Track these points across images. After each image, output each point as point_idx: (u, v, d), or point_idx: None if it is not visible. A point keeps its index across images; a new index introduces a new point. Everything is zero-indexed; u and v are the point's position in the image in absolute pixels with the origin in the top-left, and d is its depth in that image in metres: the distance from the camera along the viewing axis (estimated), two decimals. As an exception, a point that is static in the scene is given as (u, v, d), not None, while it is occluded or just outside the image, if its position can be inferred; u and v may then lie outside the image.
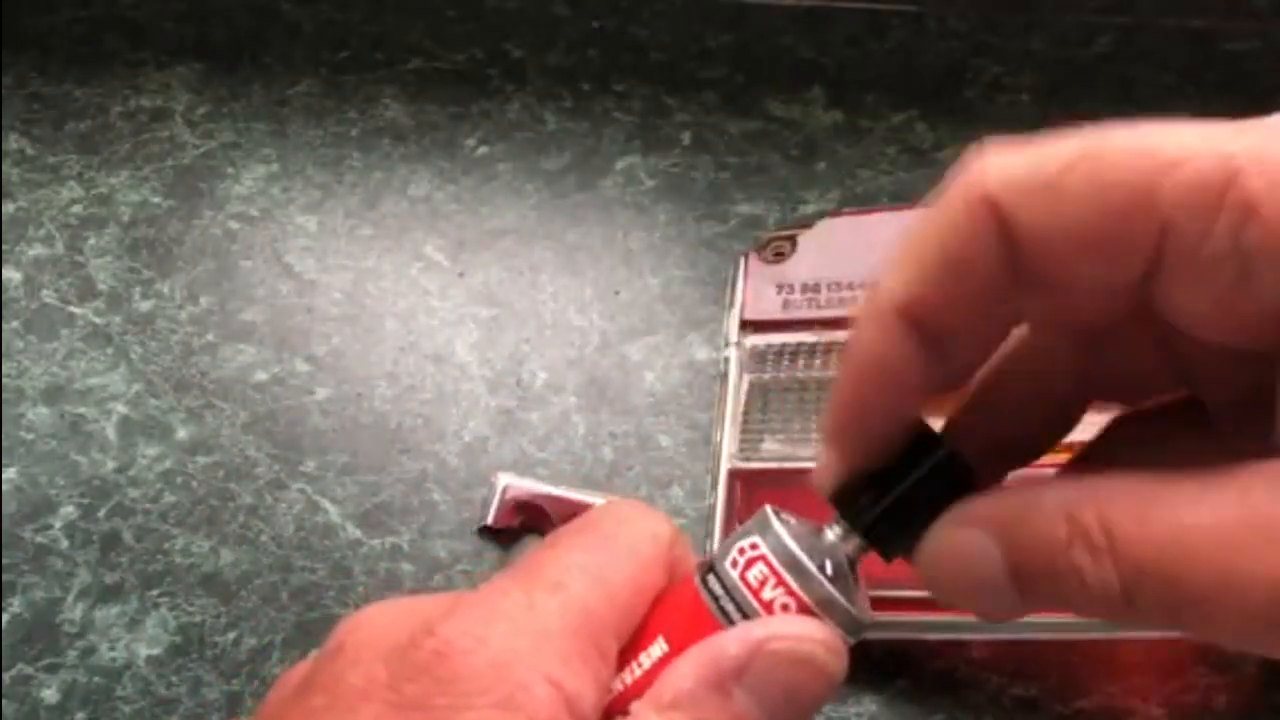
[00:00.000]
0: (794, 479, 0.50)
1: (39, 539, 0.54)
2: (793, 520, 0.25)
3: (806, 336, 0.56)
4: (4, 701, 0.50)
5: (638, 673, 0.24)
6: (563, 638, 0.23)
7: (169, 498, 0.55)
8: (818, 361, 0.54)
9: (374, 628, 0.24)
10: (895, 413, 0.23)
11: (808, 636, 0.24)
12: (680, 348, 0.58)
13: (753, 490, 0.51)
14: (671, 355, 0.58)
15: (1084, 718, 0.46)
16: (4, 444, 0.57)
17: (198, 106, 0.70)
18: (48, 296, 0.63)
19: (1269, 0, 0.68)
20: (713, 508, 0.51)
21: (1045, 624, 0.45)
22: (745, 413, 0.54)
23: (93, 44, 0.74)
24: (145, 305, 0.62)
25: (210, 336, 0.61)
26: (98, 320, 0.62)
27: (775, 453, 0.52)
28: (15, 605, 0.53)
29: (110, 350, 0.61)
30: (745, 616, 0.24)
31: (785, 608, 0.24)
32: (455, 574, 0.52)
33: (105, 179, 0.68)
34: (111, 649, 0.51)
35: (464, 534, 0.53)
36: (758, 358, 0.56)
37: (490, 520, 0.53)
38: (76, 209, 0.66)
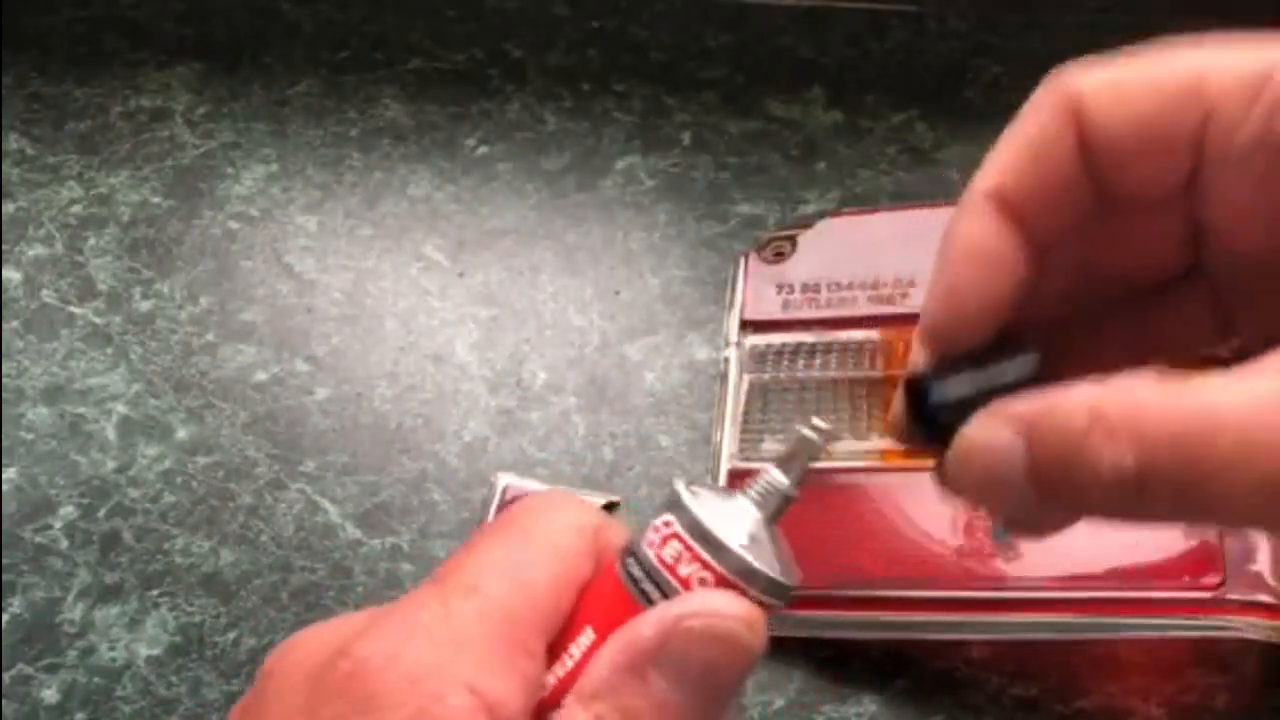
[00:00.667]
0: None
1: (39, 539, 0.54)
2: (703, 491, 0.25)
3: (806, 336, 0.56)
4: (4, 701, 0.50)
5: (569, 664, 0.24)
6: (482, 643, 0.23)
7: (169, 498, 0.55)
8: (818, 361, 0.54)
9: (299, 652, 0.24)
10: (990, 298, 0.24)
11: (722, 612, 0.23)
12: (680, 348, 0.58)
13: (753, 490, 0.51)
14: (671, 355, 0.58)
15: (1084, 718, 0.46)
16: (4, 444, 0.57)
17: (198, 106, 0.70)
18: (48, 296, 0.63)
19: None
20: (713, 508, 0.51)
21: (1045, 624, 0.45)
22: (745, 413, 0.54)
23: (93, 44, 0.74)
24: (145, 305, 0.62)
25: (210, 336, 0.61)
26: (98, 320, 0.62)
27: (775, 453, 0.52)
28: (15, 605, 0.53)
29: (110, 350, 0.61)
30: (665, 596, 0.24)
31: (703, 582, 0.24)
32: (455, 574, 0.52)
33: (105, 179, 0.68)
34: (111, 649, 0.51)
35: (464, 534, 0.53)
36: (758, 358, 0.56)
37: (490, 520, 0.53)
38: (76, 209, 0.66)
